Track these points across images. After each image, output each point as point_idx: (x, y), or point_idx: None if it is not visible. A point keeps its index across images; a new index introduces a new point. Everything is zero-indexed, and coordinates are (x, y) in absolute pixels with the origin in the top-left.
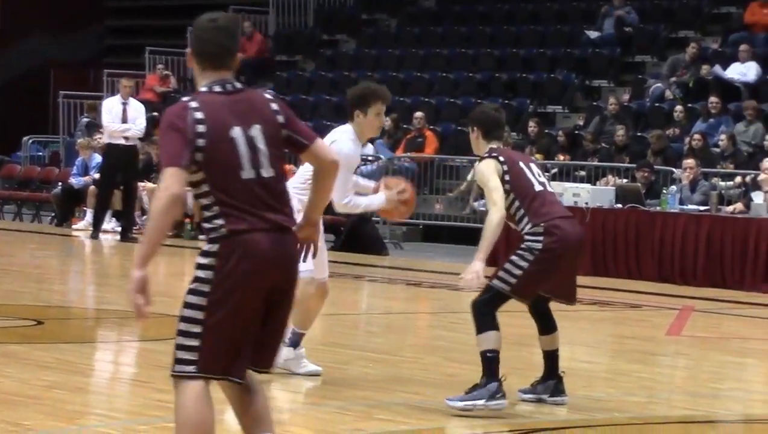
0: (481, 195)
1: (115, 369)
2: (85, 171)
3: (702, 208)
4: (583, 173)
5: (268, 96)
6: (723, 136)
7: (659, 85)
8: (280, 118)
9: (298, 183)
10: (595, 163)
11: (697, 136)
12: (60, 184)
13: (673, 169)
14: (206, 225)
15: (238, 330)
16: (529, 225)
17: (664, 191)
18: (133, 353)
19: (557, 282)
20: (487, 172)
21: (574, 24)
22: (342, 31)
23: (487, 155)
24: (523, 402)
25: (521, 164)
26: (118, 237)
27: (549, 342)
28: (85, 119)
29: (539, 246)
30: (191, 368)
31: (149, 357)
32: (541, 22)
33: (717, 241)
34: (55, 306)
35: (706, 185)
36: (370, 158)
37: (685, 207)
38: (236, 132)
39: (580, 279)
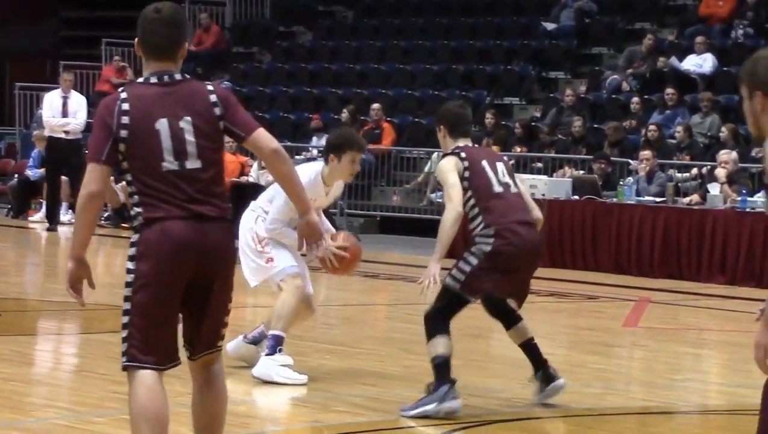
0: (438, 187)
1: (72, 361)
2: (41, 163)
3: (658, 199)
4: (539, 165)
5: (209, 87)
6: (679, 128)
7: (616, 76)
8: (217, 111)
9: (261, 204)
10: (552, 154)
11: (653, 128)
12: (16, 176)
13: (630, 161)
14: (132, 214)
15: (158, 317)
16: (480, 226)
17: (621, 183)
18: (91, 345)
19: (509, 286)
20: (446, 169)
21: (531, 16)
22: (299, 23)
23: (449, 153)
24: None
25: (484, 163)
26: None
27: (517, 334)
28: (41, 111)
29: (488, 248)
30: (129, 358)
31: (107, 349)
32: (497, 14)
33: (673, 233)
34: (11, 299)
35: (663, 177)
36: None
37: (641, 198)
38: (162, 123)
39: (537, 271)
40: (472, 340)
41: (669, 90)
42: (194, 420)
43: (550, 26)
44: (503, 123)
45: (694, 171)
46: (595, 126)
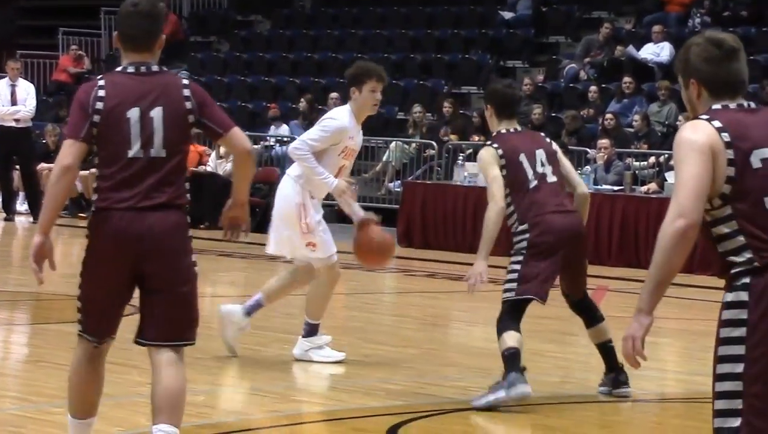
0: (396, 177)
1: (30, 352)
2: None
3: (616, 188)
4: None
5: (184, 82)
6: (637, 117)
7: (573, 65)
8: (189, 104)
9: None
10: None
11: (610, 117)
12: None
13: (588, 150)
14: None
15: (100, 300)
16: (516, 224)
17: (579, 171)
18: (49, 335)
19: (563, 277)
20: (487, 162)
21: (488, 5)
22: (257, 12)
23: (489, 144)
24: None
25: (522, 157)
26: (32, 219)
27: (595, 334)
28: None
29: (525, 244)
30: (79, 327)
31: (65, 339)
32: (455, 3)
33: (631, 221)
34: None
35: (621, 165)
36: (285, 139)
37: (599, 187)
38: (133, 112)
39: (494, 260)
40: (430, 329)
41: (626, 78)
42: (151, 400)
43: (507, 15)
44: (461, 112)
45: (652, 159)
46: (553, 114)
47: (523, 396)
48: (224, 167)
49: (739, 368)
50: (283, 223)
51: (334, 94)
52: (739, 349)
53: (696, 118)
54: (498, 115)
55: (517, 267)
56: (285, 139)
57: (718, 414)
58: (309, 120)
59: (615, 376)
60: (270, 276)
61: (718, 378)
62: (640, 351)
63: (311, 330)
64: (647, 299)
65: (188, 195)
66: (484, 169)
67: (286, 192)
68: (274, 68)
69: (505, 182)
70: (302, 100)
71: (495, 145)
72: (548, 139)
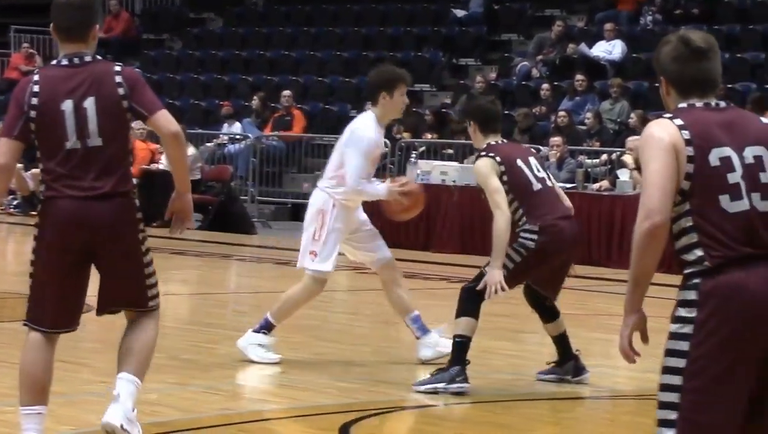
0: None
1: None
2: None
3: (568, 185)
4: (450, 151)
5: (116, 68)
6: (589, 114)
7: (526, 63)
8: (121, 91)
9: (327, 178)
10: (463, 141)
11: (563, 114)
12: None
13: (540, 147)
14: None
15: (51, 285)
16: (524, 222)
17: None
18: (2, 334)
19: (546, 277)
20: (485, 173)
21: (441, 3)
22: (209, 10)
23: (484, 154)
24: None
25: (519, 162)
26: None
27: (554, 328)
28: None
29: (532, 245)
30: (25, 319)
31: (19, 337)
32: (408, 1)
33: (584, 219)
34: None
35: (573, 163)
36: (237, 137)
37: None
38: (67, 104)
39: (448, 258)
40: (383, 327)
41: (578, 76)
42: (119, 353)
43: (460, 13)
44: (414, 110)
45: (604, 157)
46: (506, 112)
47: (461, 391)
48: None
49: (681, 364)
50: (305, 232)
51: (286, 92)
52: (685, 346)
53: (660, 116)
54: (482, 131)
55: (517, 258)
56: (237, 136)
57: (662, 405)
58: (262, 118)
59: (574, 364)
60: (222, 273)
61: (664, 370)
62: (626, 349)
63: (265, 328)
64: (628, 298)
65: (133, 180)
66: (483, 181)
67: (313, 201)
68: (227, 66)
69: (507, 187)
70: (255, 97)
71: (491, 154)
72: (533, 150)
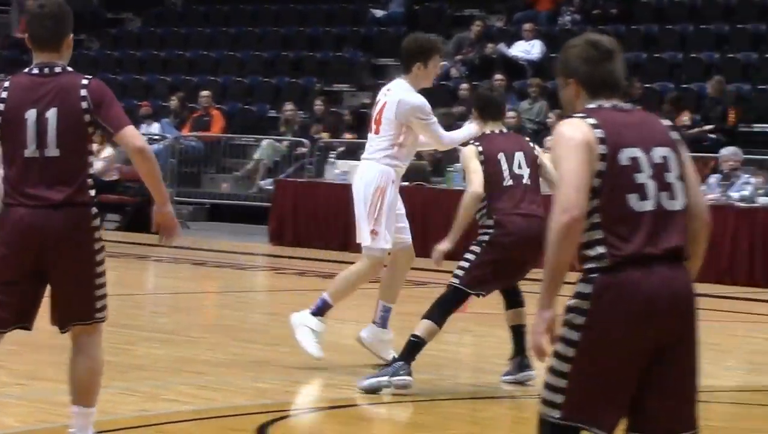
0: (269, 175)
1: None
2: None
3: None
4: None
5: (83, 82)
6: (508, 114)
7: (445, 63)
8: (85, 104)
9: (380, 150)
10: None
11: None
12: None
13: (459, 147)
14: None
15: (3, 285)
16: (484, 217)
17: (449, 169)
18: None
19: (506, 276)
20: (468, 156)
21: (361, 2)
22: (128, 10)
23: (472, 141)
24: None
25: (500, 156)
26: None
27: (513, 317)
28: None
29: (486, 238)
30: None
31: None
32: (327, 1)
33: None
34: None
35: None
36: (156, 137)
37: None
38: (30, 113)
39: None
40: None
41: (497, 76)
42: (69, 383)
43: (379, 13)
44: (333, 109)
45: None
46: None
47: (405, 385)
48: (96, 164)
49: (571, 352)
50: (359, 208)
51: (205, 92)
52: (575, 336)
53: (571, 116)
54: (482, 117)
55: (472, 257)
56: (156, 137)
57: (547, 387)
58: (180, 118)
59: (520, 360)
60: (139, 274)
61: (554, 354)
62: (540, 345)
63: (322, 309)
64: (544, 294)
65: (92, 191)
66: (465, 163)
67: (368, 176)
68: (145, 66)
69: (483, 177)
70: (173, 97)
71: (476, 144)
72: (532, 144)
